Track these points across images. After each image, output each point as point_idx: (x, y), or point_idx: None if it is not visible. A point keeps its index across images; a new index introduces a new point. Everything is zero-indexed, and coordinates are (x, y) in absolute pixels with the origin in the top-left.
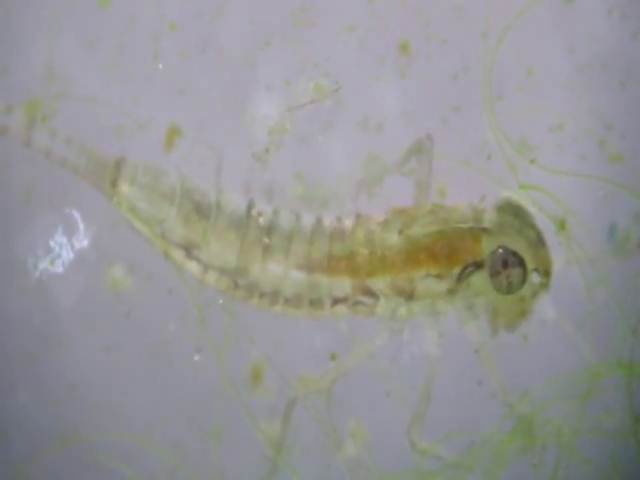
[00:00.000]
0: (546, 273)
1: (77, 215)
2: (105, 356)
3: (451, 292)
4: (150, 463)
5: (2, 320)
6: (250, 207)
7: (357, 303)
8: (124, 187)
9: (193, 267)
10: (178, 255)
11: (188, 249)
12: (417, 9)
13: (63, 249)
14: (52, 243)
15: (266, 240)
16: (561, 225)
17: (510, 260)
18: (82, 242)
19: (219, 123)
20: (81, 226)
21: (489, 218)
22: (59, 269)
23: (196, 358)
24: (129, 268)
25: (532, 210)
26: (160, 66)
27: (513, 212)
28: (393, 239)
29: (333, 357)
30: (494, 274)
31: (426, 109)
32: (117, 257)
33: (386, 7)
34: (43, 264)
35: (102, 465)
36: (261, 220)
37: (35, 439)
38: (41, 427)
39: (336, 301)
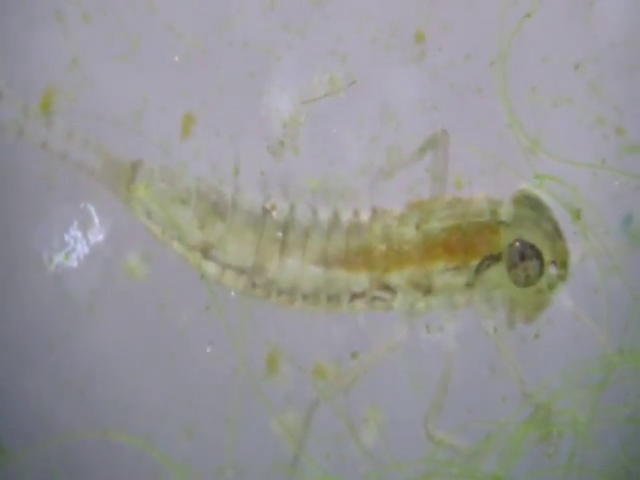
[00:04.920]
0: (563, 265)
1: (92, 209)
2: (120, 346)
3: (469, 285)
4: (165, 451)
5: (18, 312)
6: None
7: (375, 298)
8: (140, 190)
9: (211, 268)
10: (195, 257)
11: (205, 250)
12: None
13: (78, 243)
14: (67, 237)
15: (280, 234)
16: (576, 215)
17: (527, 253)
18: (97, 236)
19: (234, 116)
20: (96, 220)
21: (506, 211)
22: (74, 263)
23: (208, 350)
24: (144, 262)
25: (548, 200)
26: (176, 58)
27: (530, 205)
28: (410, 233)
29: (354, 356)
30: (512, 267)
31: (442, 99)
32: (132, 251)
33: None
34: (58, 258)
35: (117, 452)
36: (274, 214)
37: (52, 426)
38: (58, 414)
39: (354, 296)
